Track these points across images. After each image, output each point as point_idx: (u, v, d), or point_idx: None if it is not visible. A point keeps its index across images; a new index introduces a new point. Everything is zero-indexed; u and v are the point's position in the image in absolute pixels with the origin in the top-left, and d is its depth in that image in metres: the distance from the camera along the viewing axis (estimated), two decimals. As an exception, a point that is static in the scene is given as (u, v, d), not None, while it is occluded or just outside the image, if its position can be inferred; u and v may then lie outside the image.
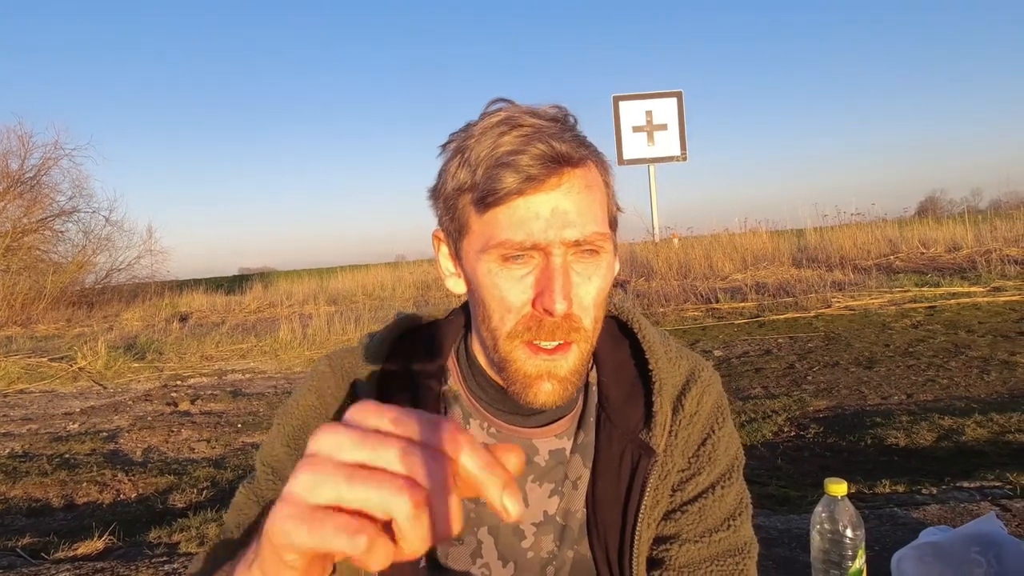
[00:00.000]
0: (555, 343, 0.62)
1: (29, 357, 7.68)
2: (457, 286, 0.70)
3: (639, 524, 0.68)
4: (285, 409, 0.75)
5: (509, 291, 0.62)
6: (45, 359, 7.49)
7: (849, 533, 1.12)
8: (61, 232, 17.38)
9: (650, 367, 0.72)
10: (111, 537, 2.40)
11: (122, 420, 4.82)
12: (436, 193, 0.69)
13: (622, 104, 14.02)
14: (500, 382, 0.68)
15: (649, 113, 13.96)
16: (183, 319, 11.99)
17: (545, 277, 0.61)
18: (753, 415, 3.59)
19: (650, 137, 13.94)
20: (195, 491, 3.07)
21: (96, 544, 2.33)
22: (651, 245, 12.33)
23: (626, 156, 13.97)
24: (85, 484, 3.27)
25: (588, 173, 0.63)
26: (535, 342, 0.62)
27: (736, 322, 7.02)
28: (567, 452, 0.71)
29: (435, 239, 0.72)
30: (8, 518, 2.92)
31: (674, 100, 14.08)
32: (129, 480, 3.33)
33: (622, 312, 0.77)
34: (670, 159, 13.96)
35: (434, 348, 0.74)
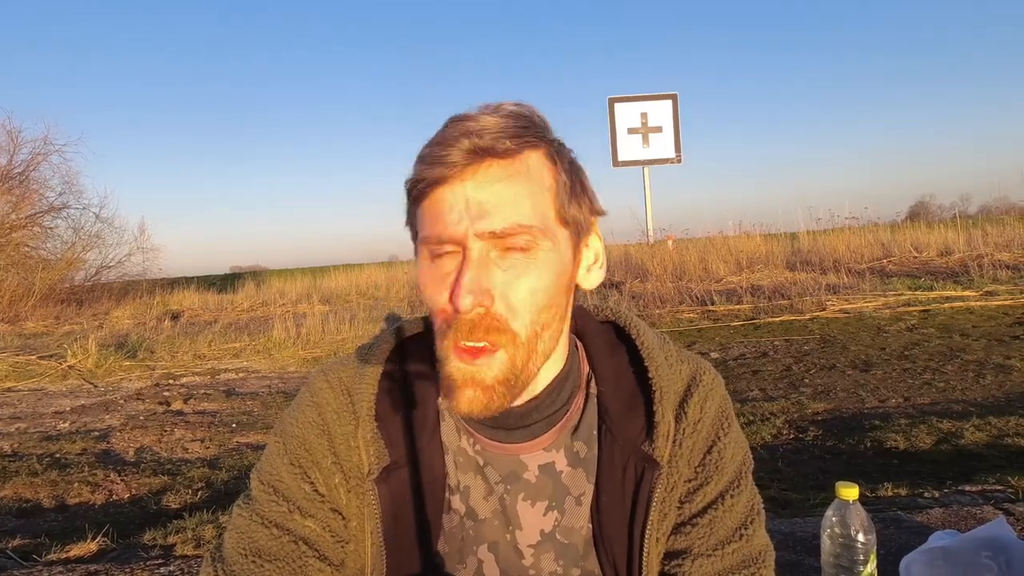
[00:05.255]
0: (477, 344, 0.59)
1: (17, 355, 7.58)
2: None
3: (647, 539, 0.66)
4: (283, 427, 0.72)
5: (434, 289, 0.61)
6: (34, 357, 7.39)
7: (861, 537, 1.11)
8: (50, 228, 17.20)
9: (650, 375, 0.69)
10: (104, 539, 2.36)
11: (114, 419, 4.76)
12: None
13: (617, 106, 14.04)
14: None
15: (644, 115, 13.99)
16: (175, 317, 11.88)
17: (458, 272, 0.59)
18: (752, 417, 3.59)
19: (645, 139, 13.97)
20: (190, 492, 3.03)
21: (89, 546, 2.29)
22: (646, 247, 12.35)
23: (621, 158, 14.00)
24: (77, 484, 3.22)
25: (516, 165, 0.60)
26: (460, 342, 0.59)
27: (732, 324, 7.04)
28: (557, 466, 0.69)
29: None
30: (-2, 519, 2.86)
31: (669, 102, 14.12)
32: (122, 480, 3.28)
33: (619, 317, 0.75)
34: (665, 161, 13.98)
35: (429, 360, 0.72)
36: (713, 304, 8.07)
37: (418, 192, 0.60)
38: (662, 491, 0.67)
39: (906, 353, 5.04)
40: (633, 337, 0.72)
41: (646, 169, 14.01)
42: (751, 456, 0.75)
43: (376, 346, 0.73)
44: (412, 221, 0.65)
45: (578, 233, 0.65)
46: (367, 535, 0.68)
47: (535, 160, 0.61)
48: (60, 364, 6.99)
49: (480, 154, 0.58)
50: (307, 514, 0.68)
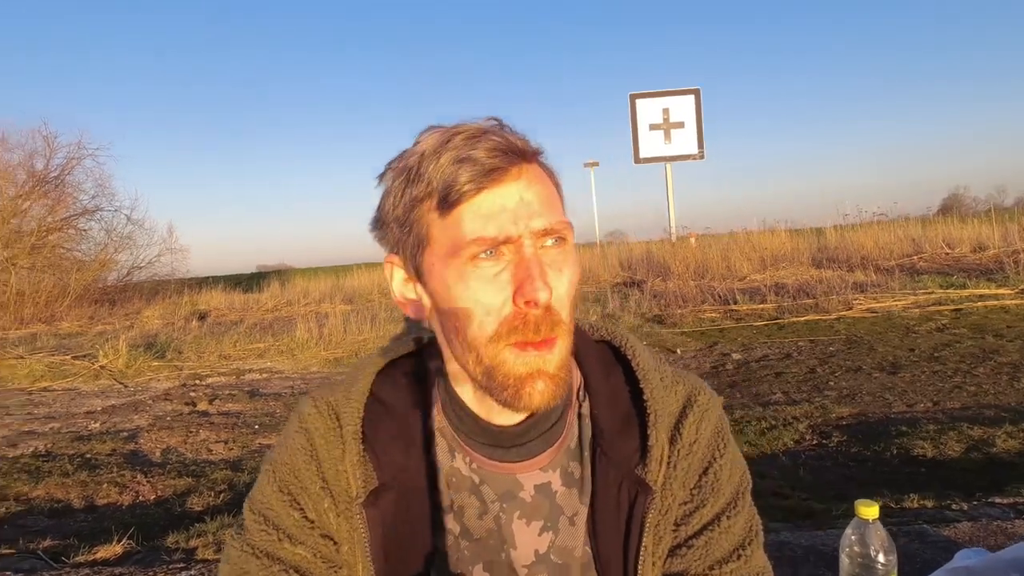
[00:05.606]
0: (541, 338, 0.60)
1: (52, 355, 7.83)
2: (417, 312, 0.67)
3: (641, 564, 0.66)
4: (273, 455, 0.72)
5: (485, 291, 0.60)
6: (68, 357, 7.63)
7: (881, 558, 1.08)
8: (84, 231, 17.73)
9: (645, 397, 0.68)
10: (130, 541, 2.42)
11: (142, 420, 4.89)
12: (383, 219, 0.66)
13: (639, 102, 13.92)
14: (479, 413, 0.66)
15: (666, 111, 13.85)
16: (202, 317, 12.15)
17: (522, 269, 0.59)
18: (774, 422, 3.52)
19: (667, 135, 13.83)
20: (212, 494, 3.09)
21: (115, 548, 2.35)
22: (668, 244, 12.25)
23: (643, 154, 13.89)
24: (106, 485, 3.31)
25: (539, 168, 0.64)
26: (520, 340, 0.60)
27: (755, 324, 6.93)
28: (553, 486, 0.68)
29: (387, 266, 0.69)
30: (31, 519, 2.96)
31: (691, 98, 13.95)
32: (148, 482, 3.36)
33: (614, 336, 0.74)
34: (687, 157, 13.84)
35: (422, 378, 0.72)
36: (736, 303, 7.96)
37: (457, 195, 0.59)
38: (655, 515, 0.67)
39: (936, 355, 4.90)
40: (628, 358, 0.72)
41: (668, 166, 13.87)
42: (749, 476, 0.74)
43: (364, 367, 0.73)
44: (424, 233, 0.63)
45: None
46: (358, 559, 0.68)
47: (544, 167, 0.65)
48: (92, 364, 7.20)
49: (519, 156, 0.61)
50: (297, 541, 0.69)
